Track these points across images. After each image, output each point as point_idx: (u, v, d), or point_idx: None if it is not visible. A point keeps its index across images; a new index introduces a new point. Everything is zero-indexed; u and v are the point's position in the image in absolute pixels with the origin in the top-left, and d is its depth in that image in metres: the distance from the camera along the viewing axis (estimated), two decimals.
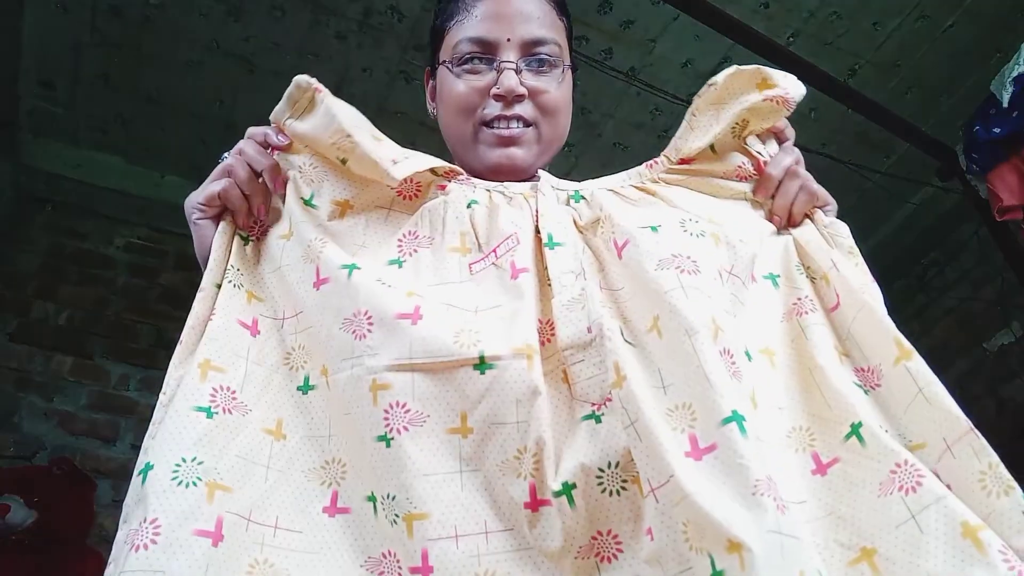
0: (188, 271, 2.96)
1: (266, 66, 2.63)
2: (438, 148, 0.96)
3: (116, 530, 0.59)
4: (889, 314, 0.67)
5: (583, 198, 0.76)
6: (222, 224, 0.75)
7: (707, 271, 0.65)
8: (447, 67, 0.87)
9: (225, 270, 0.72)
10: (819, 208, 0.77)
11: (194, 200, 0.76)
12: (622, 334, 0.65)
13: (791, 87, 0.77)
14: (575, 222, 0.74)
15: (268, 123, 0.81)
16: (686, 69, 2.71)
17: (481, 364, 0.61)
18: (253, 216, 0.76)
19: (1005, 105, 2.26)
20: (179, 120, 2.85)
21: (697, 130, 0.78)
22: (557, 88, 0.86)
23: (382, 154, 0.72)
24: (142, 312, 2.87)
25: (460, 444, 0.60)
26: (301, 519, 0.62)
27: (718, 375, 0.57)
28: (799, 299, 0.70)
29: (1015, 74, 2.23)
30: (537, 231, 0.73)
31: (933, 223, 3.22)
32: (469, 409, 0.61)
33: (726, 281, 0.67)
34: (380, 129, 0.79)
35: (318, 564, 0.60)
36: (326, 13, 2.48)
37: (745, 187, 0.78)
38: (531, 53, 0.84)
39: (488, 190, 0.78)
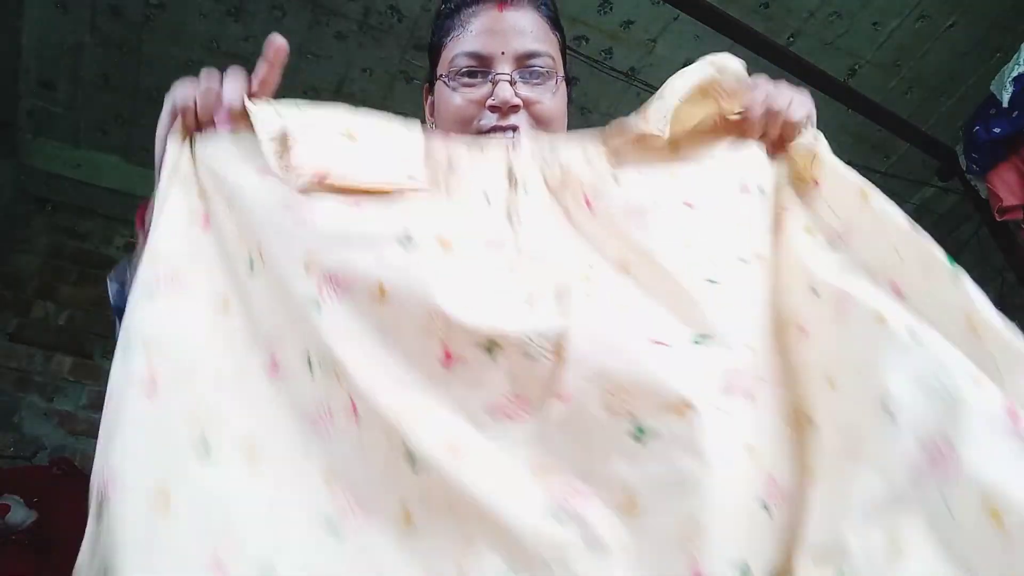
0: None
1: None
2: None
3: None
4: None
5: (553, 157, 0.77)
6: (174, 125, 0.75)
7: (675, 207, 0.71)
8: (444, 81, 0.89)
9: (175, 168, 0.73)
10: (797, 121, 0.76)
11: (174, 94, 0.76)
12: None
13: (732, 76, 0.75)
14: (544, 179, 0.76)
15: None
16: None
17: (404, 241, 0.65)
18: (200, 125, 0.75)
19: (1005, 105, 2.26)
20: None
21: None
22: (551, 99, 0.88)
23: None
24: None
25: (379, 310, 0.64)
26: (241, 379, 0.65)
27: (695, 292, 0.65)
28: (784, 205, 0.75)
29: (1015, 74, 2.24)
30: (509, 176, 0.75)
31: (933, 223, 3.22)
32: (384, 276, 0.64)
33: (705, 207, 0.72)
34: None
35: (259, 416, 0.64)
36: (326, 13, 2.49)
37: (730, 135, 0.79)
38: (525, 65, 0.87)
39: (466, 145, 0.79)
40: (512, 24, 0.87)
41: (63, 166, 2.95)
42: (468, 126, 0.86)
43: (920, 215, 3.25)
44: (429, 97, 0.96)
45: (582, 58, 2.49)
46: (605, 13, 2.52)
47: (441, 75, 0.90)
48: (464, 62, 0.87)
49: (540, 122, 0.86)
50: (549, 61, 0.88)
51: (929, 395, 0.57)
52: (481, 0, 0.89)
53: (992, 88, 2.34)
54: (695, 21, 2.23)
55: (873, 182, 0.72)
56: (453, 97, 0.87)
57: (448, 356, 0.63)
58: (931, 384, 0.57)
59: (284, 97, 0.78)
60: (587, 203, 0.73)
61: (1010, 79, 2.25)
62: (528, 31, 0.88)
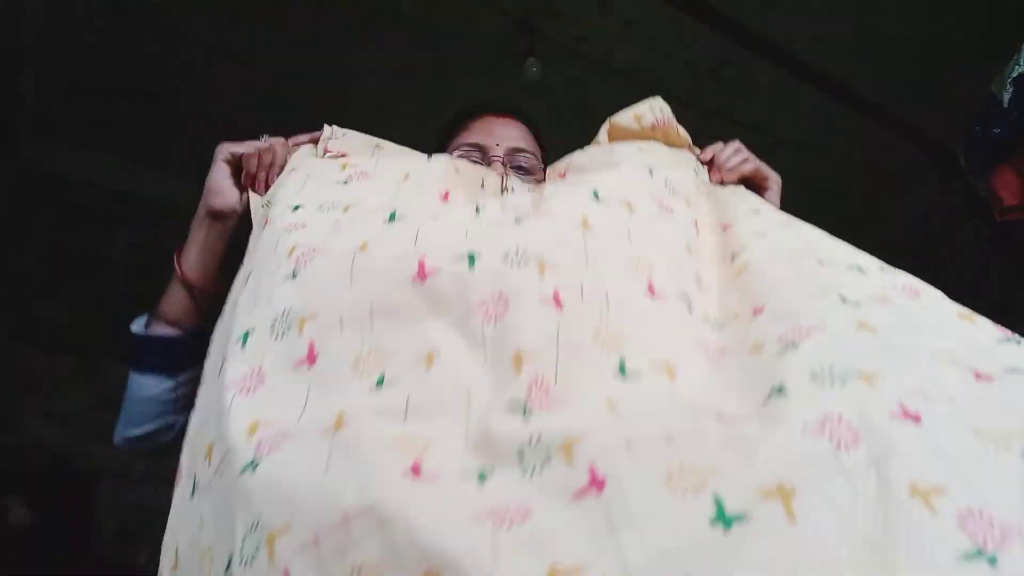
0: None
1: (266, 66, 2.62)
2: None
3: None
4: None
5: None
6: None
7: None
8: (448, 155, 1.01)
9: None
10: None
11: (227, 147, 0.92)
12: None
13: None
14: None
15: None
16: (686, 69, 2.71)
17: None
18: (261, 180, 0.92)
19: (1005, 105, 2.26)
20: (179, 120, 2.85)
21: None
22: None
23: None
24: (142, 312, 2.87)
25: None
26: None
27: None
28: None
29: (1015, 75, 2.23)
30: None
31: (933, 223, 3.22)
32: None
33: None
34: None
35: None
36: (327, 13, 2.48)
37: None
38: (514, 157, 1.04)
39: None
40: (504, 128, 1.07)
41: (63, 166, 2.95)
42: None
43: (920, 216, 3.26)
44: None
45: (582, 58, 2.49)
46: (605, 13, 2.52)
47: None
48: (467, 148, 1.03)
49: None
50: (534, 160, 1.05)
51: None
52: (481, 113, 1.08)
53: (992, 88, 2.34)
54: (695, 21, 2.24)
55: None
56: None
57: (421, 270, 0.75)
58: None
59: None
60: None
61: (1010, 79, 2.25)
62: (517, 135, 1.07)
